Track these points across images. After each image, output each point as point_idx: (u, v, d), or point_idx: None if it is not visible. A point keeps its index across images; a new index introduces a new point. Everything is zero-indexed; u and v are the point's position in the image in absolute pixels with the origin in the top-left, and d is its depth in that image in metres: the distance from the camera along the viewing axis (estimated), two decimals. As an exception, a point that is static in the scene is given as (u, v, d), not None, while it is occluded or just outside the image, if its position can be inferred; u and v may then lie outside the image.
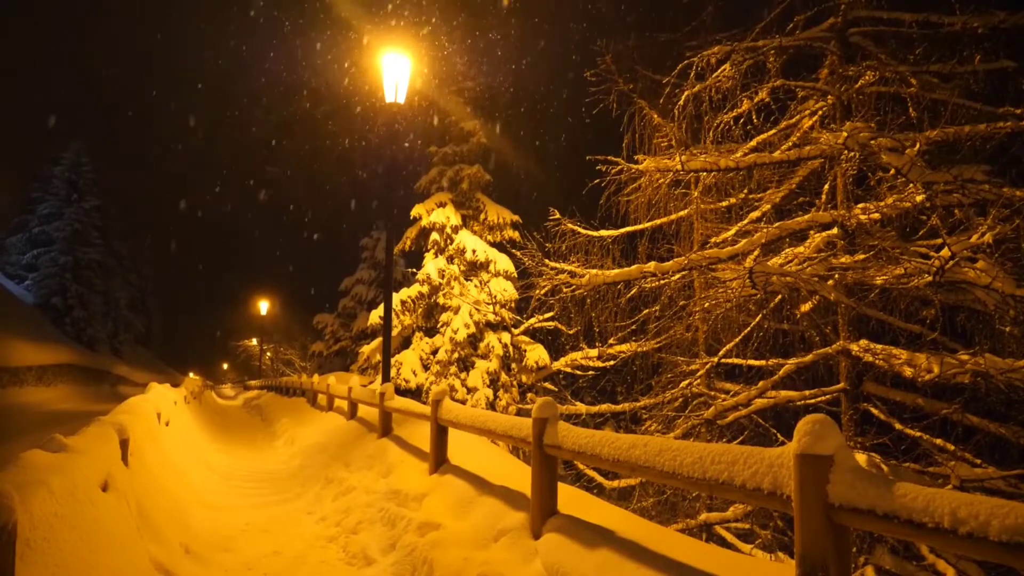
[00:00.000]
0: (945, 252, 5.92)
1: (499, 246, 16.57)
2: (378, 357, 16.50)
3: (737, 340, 8.84)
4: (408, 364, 15.46)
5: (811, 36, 8.31)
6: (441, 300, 15.78)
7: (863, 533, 6.61)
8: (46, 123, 44.22)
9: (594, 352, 10.71)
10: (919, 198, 6.27)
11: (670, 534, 4.08)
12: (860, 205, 7.06)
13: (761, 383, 7.98)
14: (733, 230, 8.22)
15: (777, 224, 7.46)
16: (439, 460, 6.52)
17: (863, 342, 7.10)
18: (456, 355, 15.18)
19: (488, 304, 15.18)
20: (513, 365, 14.95)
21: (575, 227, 9.49)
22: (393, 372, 14.90)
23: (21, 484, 2.78)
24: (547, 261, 9.18)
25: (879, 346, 6.95)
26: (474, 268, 16.16)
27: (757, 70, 8.61)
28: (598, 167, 8.99)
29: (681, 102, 9.31)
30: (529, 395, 14.33)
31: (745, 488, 2.80)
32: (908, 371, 6.39)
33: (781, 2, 8.65)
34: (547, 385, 14.33)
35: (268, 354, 46.61)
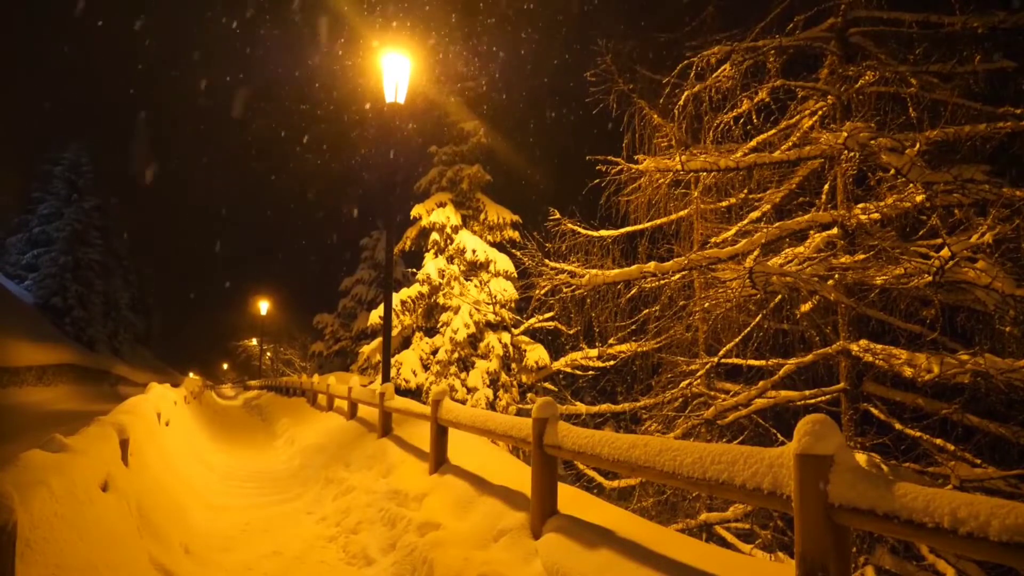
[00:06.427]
0: (945, 252, 5.92)
1: (499, 246, 16.57)
2: (378, 357, 16.49)
3: (737, 340, 8.83)
4: (408, 364, 15.46)
5: (811, 36, 8.31)
6: (441, 300, 15.78)
7: (863, 533, 6.61)
8: (46, 123, 44.37)
9: (594, 352, 10.71)
10: (919, 198, 6.27)
11: (670, 534, 4.08)
12: (860, 205, 7.06)
13: (761, 383, 7.98)
14: (733, 230, 8.22)
15: (777, 224, 7.45)
16: (439, 460, 6.52)
17: (863, 342, 7.10)
18: (456, 355, 15.18)
19: (488, 304, 15.18)
20: (513, 365, 14.95)
21: (575, 227, 9.49)
22: (393, 372, 14.90)
23: (21, 484, 2.78)
24: (547, 261, 9.18)
25: (879, 346, 6.94)
26: (474, 268, 16.16)
27: (757, 70, 8.61)
28: (598, 167, 8.99)
29: (681, 102, 9.31)
30: (529, 395, 14.32)
31: (745, 488, 2.80)
32: (908, 371, 6.39)
33: (781, 2, 8.64)
34: (547, 385, 14.32)
35: (268, 354, 46.60)
